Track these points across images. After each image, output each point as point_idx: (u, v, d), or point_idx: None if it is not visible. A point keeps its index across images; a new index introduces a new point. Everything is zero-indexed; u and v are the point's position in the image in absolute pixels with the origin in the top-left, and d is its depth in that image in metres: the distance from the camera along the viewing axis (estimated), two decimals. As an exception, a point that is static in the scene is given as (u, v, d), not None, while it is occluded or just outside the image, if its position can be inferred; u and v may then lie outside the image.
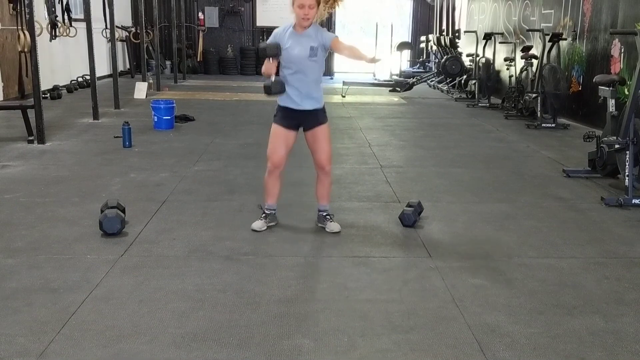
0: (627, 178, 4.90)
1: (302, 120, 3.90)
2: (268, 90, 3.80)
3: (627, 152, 4.95)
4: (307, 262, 3.56)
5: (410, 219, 4.16)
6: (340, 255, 3.67)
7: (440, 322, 2.85)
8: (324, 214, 4.11)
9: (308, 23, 3.74)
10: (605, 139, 5.39)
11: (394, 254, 3.72)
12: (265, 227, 4.04)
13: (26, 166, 5.71)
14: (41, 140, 6.70)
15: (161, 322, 2.78)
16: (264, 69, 3.84)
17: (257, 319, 2.83)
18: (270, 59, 3.77)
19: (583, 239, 4.05)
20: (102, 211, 4.00)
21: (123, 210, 4.08)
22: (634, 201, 4.74)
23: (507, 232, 4.15)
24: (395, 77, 15.31)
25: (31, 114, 6.72)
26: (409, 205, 4.28)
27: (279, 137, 3.91)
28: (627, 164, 4.93)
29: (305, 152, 4.16)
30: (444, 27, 15.46)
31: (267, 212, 4.09)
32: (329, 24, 17.10)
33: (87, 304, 2.94)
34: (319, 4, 3.74)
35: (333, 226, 4.06)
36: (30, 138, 6.71)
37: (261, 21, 16.88)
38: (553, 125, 8.42)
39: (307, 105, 3.86)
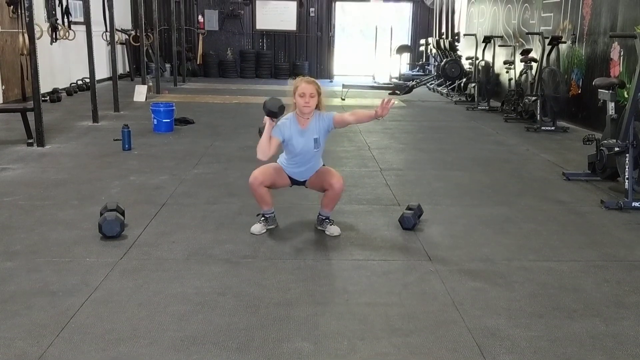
0: (626, 181, 4.90)
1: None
2: (273, 114, 3.76)
3: (627, 155, 4.95)
4: (306, 265, 3.56)
5: (410, 222, 4.15)
6: (340, 259, 3.66)
7: (440, 325, 2.85)
8: (324, 218, 4.11)
9: (309, 111, 3.83)
10: (605, 142, 5.39)
11: (394, 257, 3.72)
12: (264, 231, 4.04)
13: (25, 169, 5.71)
14: (41, 143, 6.69)
15: (160, 326, 2.77)
16: (262, 139, 3.80)
17: (257, 322, 2.82)
18: (271, 119, 3.78)
19: (583, 242, 4.04)
20: (101, 214, 3.99)
21: (122, 213, 4.07)
22: (633, 204, 4.74)
23: (506, 235, 4.15)
24: (394, 80, 15.32)
25: (31, 116, 6.71)
26: (408, 208, 4.27)
27: (275, 172, 4.01)
28: (626, 167, 4.93)
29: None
30: (444, 30, 15.48)
31: (266, 215, 4.09)
32: (328, 27, 17.13)
33: (86, 307, 2.93)
34: (319, 93, 3.85)
35: (333, 229, 4.05)
36: (30, 141, 6.71)
37: (261, 24, 16.90)
38: (552, 128, 8.42)
39: (309, 177, 4.07)
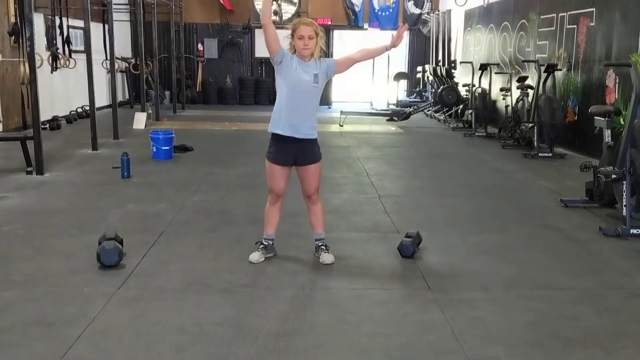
0: (624, 208, 4.91)
1: (297, 153, 3.89)
2: None
3: (624, 182, 4.97)
4: (305, 294, 3.55)
5: (409, 249, 4.15)
6: (338, 287, 3.65)
7: (440, 355, 2.83)
8: (320, 243, 4.11)
9: (308, 53, 3.77)
10: (602, 169, 5.42)
11: (393, 285, 3.71)
12: (262, 259, 4.03)
13: (24, 197, 5.71)
14: (40, 172, 6.71)
15: (159, 356, 2.76)
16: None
17: (255, 353, 2.80)
18: None
19: (582, 269, 4.04)
20: (99, 243, 3.99)
21: (121, 242, 4.07)
22: (632, 231, 4.74)
23: (505, 262, 4.14)
24: (392, 107, 15.42)
25: (30, 145, 6.74)
26: (407, 236, 4.28)
27: (277, 173, 3.94)
28: (624, 194, 4.95)
29: (294, 176, 4.13)
30: (440, 57, 15.63)
31: (264, 242, 4.09)
32: (327, 55, 17.30)
33: (83, 338, 2.92)
34: (317, 35, 3.78)
35: (326, 257, 4.03)
36: (29, 169, 6.73)
37: (260, 52, 17.04)
38: (550, 154, 8.46)
39: (301, 134, 3.83)
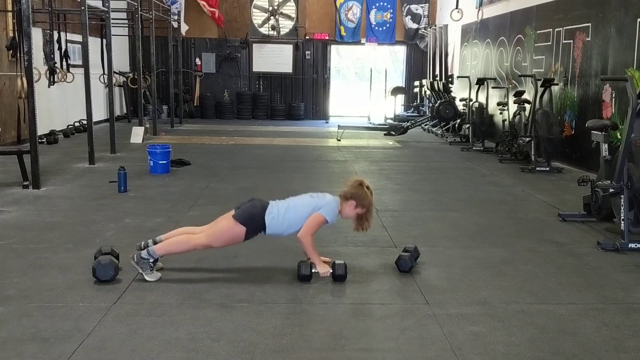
0: (622, 222, 4.90)
1: None
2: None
3: (622, 196, 4.96)
4: (302, 309, 3.52)
5: (407, 264, 4.13)
6: (336, 303, 3.62)
7: (438, 371, 2.80)
8: (152, 260, 3.90)
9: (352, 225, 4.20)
10: (600, 183, 5.42)
11: (391, 300, 3.68)
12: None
13: (20, 212, 5.68)
14: (36, 186, 6.68)
15: (154, 373, 2.72)
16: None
17: (252, 369, 2.77)
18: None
19: (581, 284, 4.02)
20: (95, 257, 3.96)
21: (117, 257, 4.04)
22: (630, 245, 4.73)
23: (504, 277, 4.12)
24: (390, 121, 15.45)
25: (27, 159, 6.72)
26: (405, 251, 4.26)
27: None
28: (622, 208, 4.94)
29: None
30: (437, 72, 15.71)
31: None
32: (324, 69, 17.38)
33: (78, 354, 2.88)
34: None
35: (156, 275, 3.91)
36: (26, 183, 6.70)
37: (258, 67, 17.12)
38: (547, 168, 8.47)
39: None
